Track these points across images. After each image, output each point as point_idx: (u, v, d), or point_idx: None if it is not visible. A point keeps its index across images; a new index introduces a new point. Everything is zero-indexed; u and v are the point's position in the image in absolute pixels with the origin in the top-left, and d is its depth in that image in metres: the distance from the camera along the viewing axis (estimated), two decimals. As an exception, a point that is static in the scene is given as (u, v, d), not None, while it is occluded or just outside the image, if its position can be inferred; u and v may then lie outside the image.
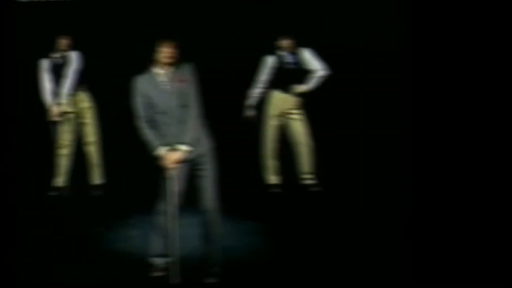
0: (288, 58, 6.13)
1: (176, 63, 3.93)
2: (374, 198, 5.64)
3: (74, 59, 6.22)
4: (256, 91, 6.22)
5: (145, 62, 3.90)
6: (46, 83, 6.20)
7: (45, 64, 6.22)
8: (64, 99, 6.19)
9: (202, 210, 4.06)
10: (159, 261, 4.11)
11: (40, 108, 6.24)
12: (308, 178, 6.28)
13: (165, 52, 3.86)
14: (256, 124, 6.32)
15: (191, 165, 4.00)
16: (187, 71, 3.95)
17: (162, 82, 3.93)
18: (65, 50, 6.21)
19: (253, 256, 4.54)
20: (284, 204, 5.93)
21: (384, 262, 4.21)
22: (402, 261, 3.62)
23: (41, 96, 6.20)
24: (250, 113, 6.26)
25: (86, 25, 6.69)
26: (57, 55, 6.22)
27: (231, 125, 6.47)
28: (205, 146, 4.03)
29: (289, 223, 5.30)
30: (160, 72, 3.93)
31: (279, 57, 6.14)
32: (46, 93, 6.20)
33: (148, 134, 3.91)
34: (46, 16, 6.62)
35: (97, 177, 6.40)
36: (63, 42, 6.19)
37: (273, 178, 6.30)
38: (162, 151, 3.90)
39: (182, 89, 3.91)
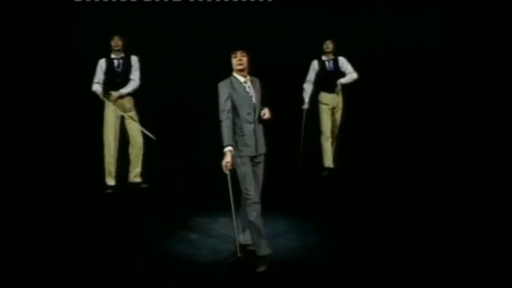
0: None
1: (248, 70, 4.32)
2: (418, 198, 5.63)
3: (137, 64, 6.24)
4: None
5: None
6: (100, 78, 6.20)
7: (102, 64, 6.21)
8: (128, 99, 6.22)
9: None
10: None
11: (94, 107, 6.26)
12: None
13: (239, 60, 4.25)
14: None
15: (252, 163, 4.32)
16: (258, 83, 4.39)
17: (247, 86, 4.30)
18: (121, 51, 6.21)
19: (308, 255, 4.47)
20: (336, 201, 5.88)
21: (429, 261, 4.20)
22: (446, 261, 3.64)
23: (93, 88, 6.17)
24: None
25: (139, 28, 6.76)
26: (114, 55, 6.22)
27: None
28: (264, 147, 4.40)
29: (343, 222, 5.22)
30: (240, 78, 4.30)
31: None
32: (98, 86, 6.19)
33: (224, 131, 4.18)
34: (103, 16, 6.69)
35: (137, 177, 6.37)
36: (120, 42, 6.18)
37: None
38: (228, 150, 4.14)
39: (258, 97, 4.35)
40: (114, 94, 6.17)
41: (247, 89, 4.30)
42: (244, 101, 4.26)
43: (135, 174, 6.37)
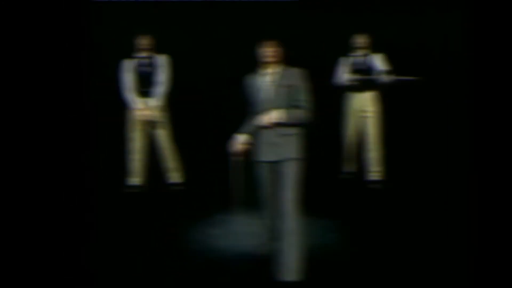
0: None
1: (280, 63, 3.99)
2: (441, 197, 5.53)
3: (165, 64, 6.12)
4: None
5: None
6: (130, 84, 6.10)
7: (128, 65, 6.13)
8: (157, 103, 6.10)
9: (281, 208, 3.95)
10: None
11: (117, 107, 6.26)
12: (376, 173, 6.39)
13: (266, 51, 3.94)
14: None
15: (275, 165, 3.97)
16: (295, 75, 3.97)
17: (267, 83, 3.97)
18: (149, 51, 6.11)
19: (330, 254, 4.43)
20: (355, 200, 5.85)
21: (450, 261, 4.10)
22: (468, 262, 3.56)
23: (125, 96, 6.12)
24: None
25: (165, 27, 6.75)
26: (141, 55, 6.12)
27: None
28: (277, 155, 3.95)
29: (363, 220, 5.18)
30: (267, 73, 4.00)
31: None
32: (129, 94, 6.11)
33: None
34: (126, 16, 6.70)
35: (175, 176, 6.35)
36: (146, 42, 6.08)
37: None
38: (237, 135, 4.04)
39: (284, 93, 3.94)
40: (144, 111, 6.09)
41: (261, 84, 3.98)
42: (255, 97, 4.00)
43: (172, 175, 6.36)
